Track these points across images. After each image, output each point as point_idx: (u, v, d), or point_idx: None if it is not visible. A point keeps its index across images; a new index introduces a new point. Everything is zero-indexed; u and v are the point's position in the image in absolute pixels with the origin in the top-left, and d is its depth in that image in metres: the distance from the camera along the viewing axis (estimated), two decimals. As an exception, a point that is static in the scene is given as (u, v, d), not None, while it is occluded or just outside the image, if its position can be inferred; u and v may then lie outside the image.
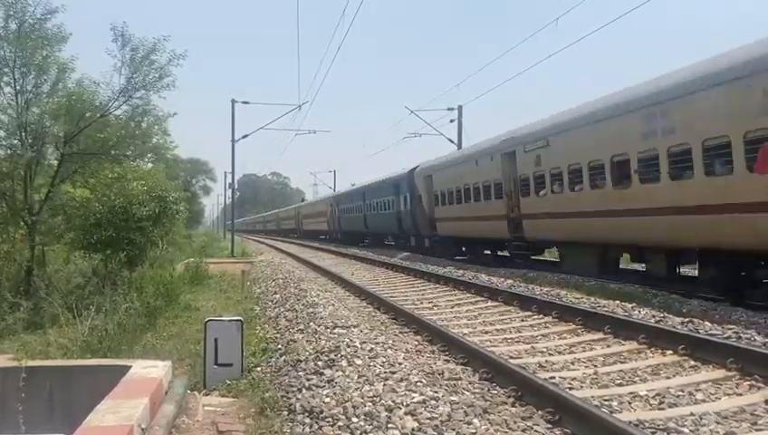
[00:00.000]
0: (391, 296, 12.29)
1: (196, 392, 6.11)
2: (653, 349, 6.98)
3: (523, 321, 9.28)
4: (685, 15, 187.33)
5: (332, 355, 6.72)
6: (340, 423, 4.70)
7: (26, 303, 13.26)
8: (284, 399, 5.62)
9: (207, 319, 7.05)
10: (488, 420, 4.65)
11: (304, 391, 5.68)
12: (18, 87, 18.79)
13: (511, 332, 8.54)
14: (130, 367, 5.57)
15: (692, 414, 4.73)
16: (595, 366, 6.42)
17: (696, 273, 12.53)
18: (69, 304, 11.32)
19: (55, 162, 19.96)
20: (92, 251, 18.20)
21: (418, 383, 5.50)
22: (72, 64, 19.68)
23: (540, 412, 4.84)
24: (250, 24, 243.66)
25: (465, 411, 4.77)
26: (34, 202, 18.81)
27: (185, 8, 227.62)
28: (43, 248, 19.07)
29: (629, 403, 5.13)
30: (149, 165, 22.95)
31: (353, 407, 4.94)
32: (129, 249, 17.68)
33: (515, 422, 4.66)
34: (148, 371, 5.44)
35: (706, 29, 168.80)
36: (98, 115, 19.63)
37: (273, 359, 7.50)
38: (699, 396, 5.26)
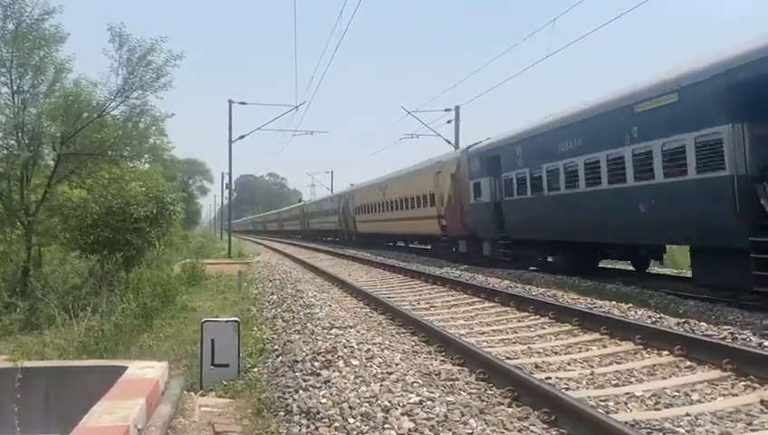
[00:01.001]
0: (388, 297, 12.30)
1: (192, 393, 6.10)
2: (649, 349, 7.00)
3: (519, 321, 9.30)
4: (683, 15, 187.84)
5: (329, 356, 6.72)
6: (337, 424, 4.70)
7: (23, 303, 13.26)
8: (281, 399, 5.62)
9: (204, 320, 7.05)
10: (484, 420, 4.66)
11: (301, 391, 5.68)
12: (15, 87, 18.76)
13: (507, 332, 8.55)
14: (127, 368, 5.55)
15: (688, 414, 4.75)
16: (591, 367, 6.43)
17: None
18: (65, 305, 11.31)
19: (52, 163, 19.92)
20: (89, 252, 18.17)
21: (415, 384, 5.50)
22: (70, 65, 19.68)
23: (536, 413, 4.85)
24: (247, 25, 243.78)
25: (461, 412, 4.78)
26: (31, 202, 18.78)
27: (182, 9, 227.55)
28: (40, 249, 19.03)
29: (626, 404, 5.15)
30: (146, 165, 22.93)
31: (350, 408, 4.95)
32: (125, 250, 17.66)
33: (512, 423, 4.66)
34: (145, 371, 5.42)
35: (706, 29, 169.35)
36: (95, 115, 19.60)
37: (270, 360, 7.50)
38: (695, 396, 5.28)
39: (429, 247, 28.13)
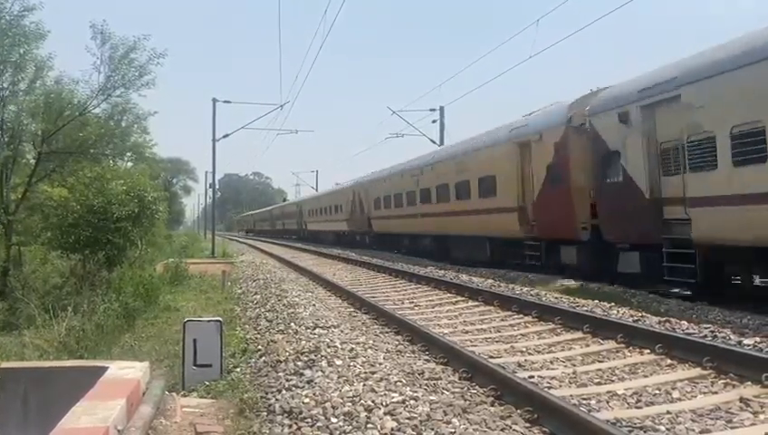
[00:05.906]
0: (372, 296, 12.28)
1: (174, 394, 6.04)
2: (631, 348, 7.04)
3: (503, 320, 9.33)
4: (674, 14, 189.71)
5: (312, 356, 6.70)
6: (320, 424, 4.69)
7: (1, 304, 13.09)
8: (264, 400, 5.59)
9: (186, 319, 7.00)
10: (467, 419, 4.66)
11: (284, 391, 5.66)
12: (-6, 84, 18.54)
13: (491, 331, 8.57)
14: (107, 368, 5.49)
15: (668, 412, 4.78)
16: (574, 365, 6.46)
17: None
18: (46, 305, 11.20)
19: (33, 161, 19.69)
20: (70, 251, 17.96)
21: (398, 383, 5.50)
22: (51, 62, 19.47)
23: (519, 411, 4.85)
24: (232, 24, 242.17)
25: (444, 411, 4.77)
26: (11, 201, 18.54)
27: (166, 7, 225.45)
28: (20, 248, 18.79)
29: (607, 402, 5.18)
30: (129, 164, 22.75)
31: (333, 407, 4.93)
32: (107, 249, 17.47)
33: (494, 422, 4.67)
34: (126, 372, 5.37)
35: (696, 27, 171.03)
36: (76, 113, 19.41)
37: (253, 360, 7.46)
38: (675, 394, 5.32)
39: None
